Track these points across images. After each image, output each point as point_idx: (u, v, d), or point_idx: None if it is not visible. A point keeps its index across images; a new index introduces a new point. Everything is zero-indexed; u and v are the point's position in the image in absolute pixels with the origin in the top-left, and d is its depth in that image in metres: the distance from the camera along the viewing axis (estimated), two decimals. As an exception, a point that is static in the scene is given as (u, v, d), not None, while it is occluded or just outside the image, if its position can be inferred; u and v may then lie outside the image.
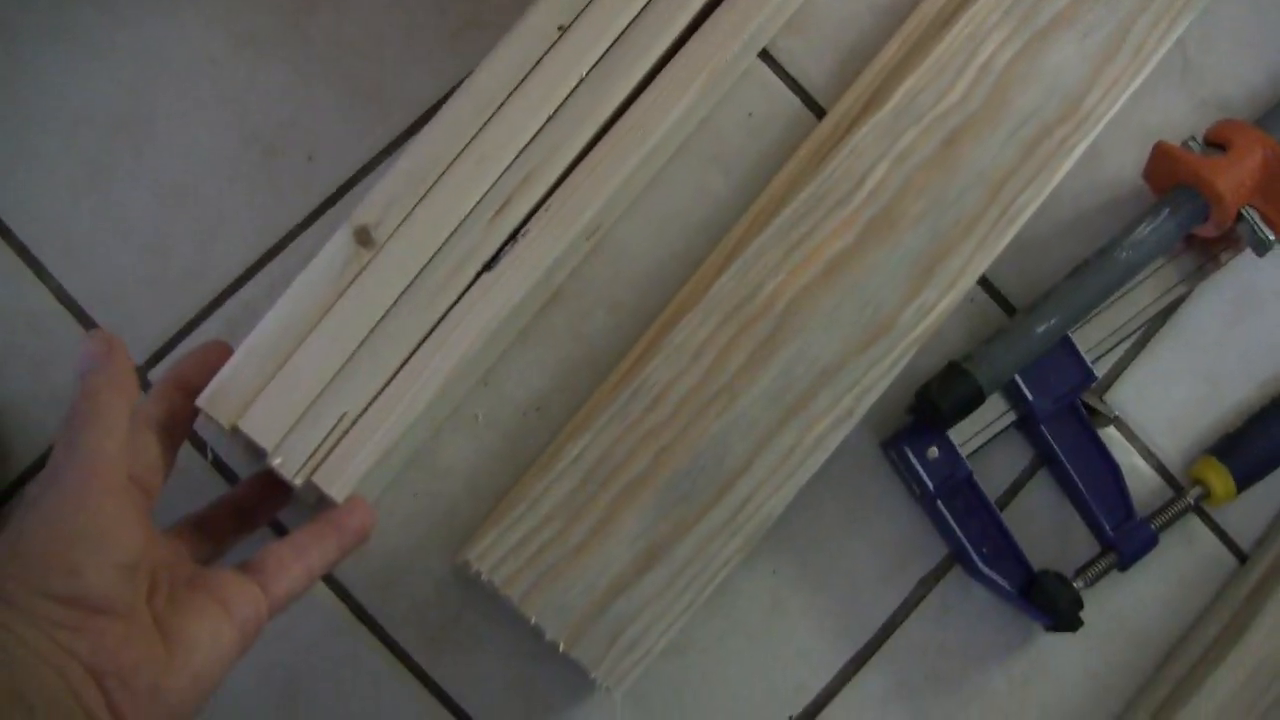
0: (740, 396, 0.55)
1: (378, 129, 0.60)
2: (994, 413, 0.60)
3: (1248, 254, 0.62)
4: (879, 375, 0.56)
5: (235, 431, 0.48)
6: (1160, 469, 0.63)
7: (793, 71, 0.61)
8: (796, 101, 0.61)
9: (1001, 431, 0.60)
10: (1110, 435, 0.62)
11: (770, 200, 0.59)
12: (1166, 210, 0.60)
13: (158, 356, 0.57)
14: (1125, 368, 0.63)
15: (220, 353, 0.49)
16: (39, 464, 0.56)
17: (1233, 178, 0.61)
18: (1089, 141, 0.60)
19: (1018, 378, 0.59)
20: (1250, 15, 0.67)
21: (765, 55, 0.61)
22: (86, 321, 0.57)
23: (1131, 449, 0.62)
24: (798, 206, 0.57)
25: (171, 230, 0.58)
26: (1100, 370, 0.62)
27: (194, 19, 0.60)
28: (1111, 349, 0.63)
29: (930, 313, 0.57)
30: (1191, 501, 0.61)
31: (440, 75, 0.60)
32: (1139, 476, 0.62)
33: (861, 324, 0.57)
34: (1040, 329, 0.59)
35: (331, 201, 0.59)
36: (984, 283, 0.62)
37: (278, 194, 0.59)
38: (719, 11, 0.56)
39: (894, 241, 0.57)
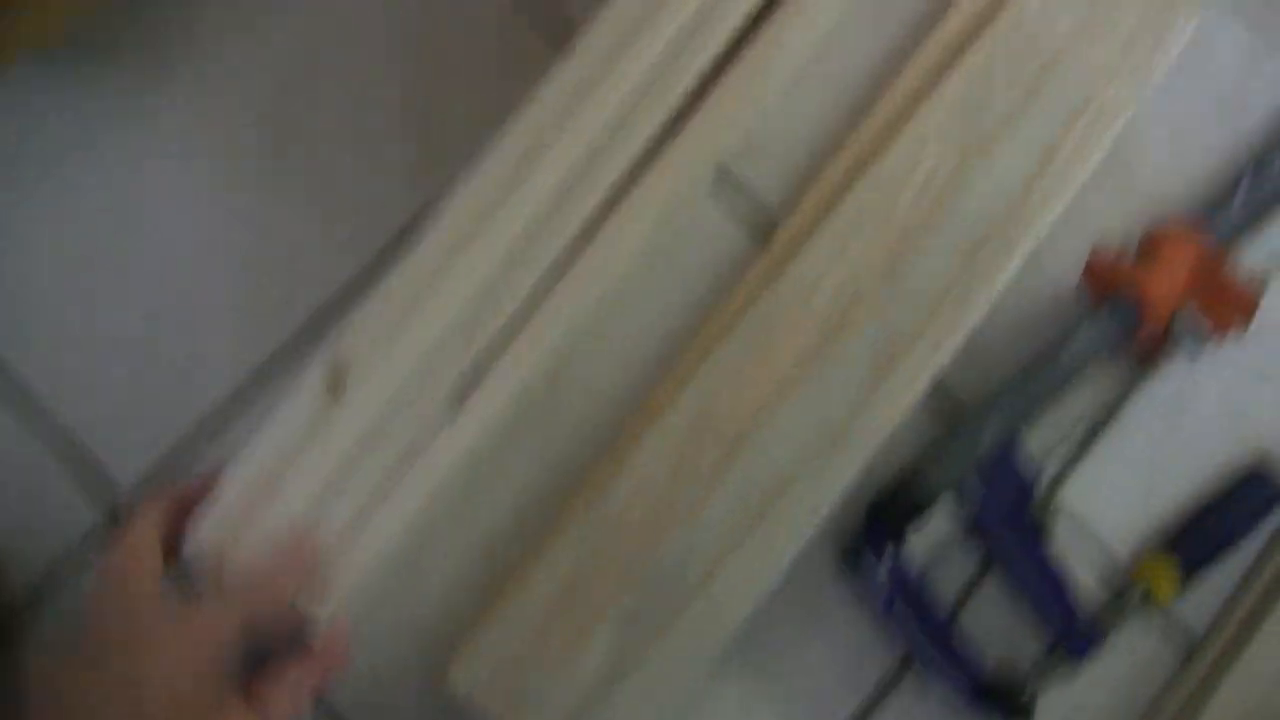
0: (701, 512, 0.58)
1: (353, 260, 0.62)
2: (944, 517, 0.62)
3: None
4: (834, 486, 0.59)
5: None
6: (1107, 566, 0.65)
7: (744, 192, 0.64)
8: (748, 221, 0.64)
9: (952, 535, 0.63)
10: (1057, 535, 0.65)
11: (723, 319, 0.61)
12: (1102, 317, 0.64)
13: (142, 486, 0.60)
14: (1070, 468, 0.66)
15: (208, 484, 0.51)
16: (32, 593, 0.58)
17: (1164, 283, 0.64)
18: (1029, 248, 0.63)
19: (966, 482, 0.62)
20: (1183, 116, 0.71)
21: (718, 177, 0.64)
22: (74, 449, 0.59)
23: (1079, 547, 0.65)
24: (749, 325, 0.60)
25: (156, 361, 0.61)
26: (1046, 471, 0.65)
27: (175, 156, 0.63)
28: (1056, 450, 0.65)
29: (882, 422, 0.60)
30: (1138, 597, 0.63)
31: (411, 207, 0.63)
32: (1087, 574, 0.65)
33: (815, 436, 0.59)
34: (986, 435, 0.62)
35: (309, 332, 0.62)
36: (934, 387, 0.64)
37: (257, 325, 0.62)
38: (676, 139, 0.60)
39: (845, 355, 0.60)
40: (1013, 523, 0.63)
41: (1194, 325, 0.64)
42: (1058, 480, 0.66)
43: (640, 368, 0.62)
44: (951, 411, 0.65)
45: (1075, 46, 0.66)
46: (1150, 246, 0.66)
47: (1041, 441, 0.65)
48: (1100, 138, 0.65)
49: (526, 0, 0.65)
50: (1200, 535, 0.65)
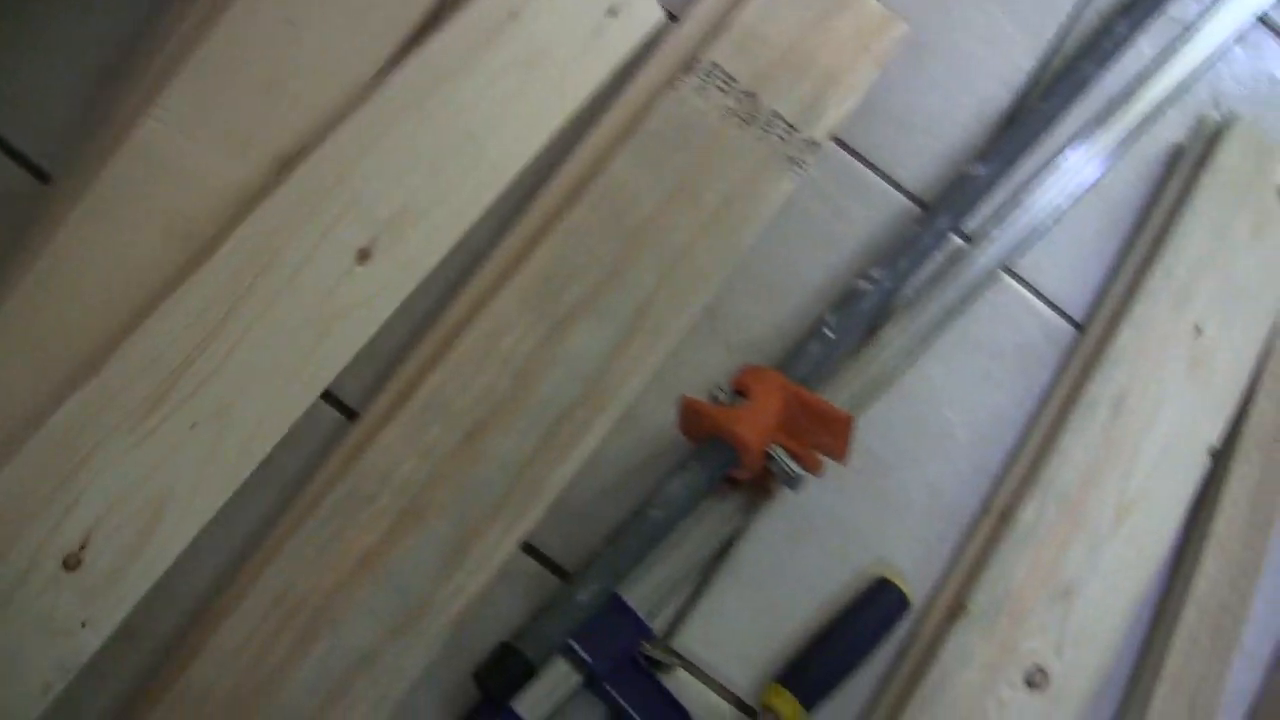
0: (281, 691, 0.58)
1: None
2: (558, 678, 0.63)
3: (796, 483, 0.67)
4: (417, 657, 0.60)
5: None
6: (736, 701, 0.66)
7: (330, 385, 0.64)
8: (331, 410, 0.65)
9: (571, 695, 0.63)
10: (681, 679, 0.65)
11: (307, 502, 0.63)
12: (695, 464, 0.65)
13: None
14: (688, 611, 0.67)
15: None
16: None
17: (754, 423, 0.66)
18: (613, 416, 0.66)
19: (574, 642, 0.63)
20: (769, 262, 0.74)
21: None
22: None
23: (705, 688, 0.66)
24: (328, 506, 0.61)
25: None
26: (664, 617, 0.66)
27: None
28: (672, 594, 0.67)
29: (464, 593, 0.61)
30: (768, 725, 0.64)
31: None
32: (716, 713, 0.65)
33: (396, 611, 0.60)
34: (583, 596, 0.63)
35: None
36: (534, 552, 0.66)
37: None
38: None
39: (424, 531, 0.62)
40: (628, 673, 0.64)
41: (787, 459, 0.66)
42: (675, 624, 0.67)
43: (225, 555, 0.62)
44: (556, 574, 0.66)
45: (663, 217, 0.70)
46: (743, 386, 0.68)
47: (653, 589, 0.66)
48: (690, 301, 0.69)
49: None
50: (817, 666, 0.67)
